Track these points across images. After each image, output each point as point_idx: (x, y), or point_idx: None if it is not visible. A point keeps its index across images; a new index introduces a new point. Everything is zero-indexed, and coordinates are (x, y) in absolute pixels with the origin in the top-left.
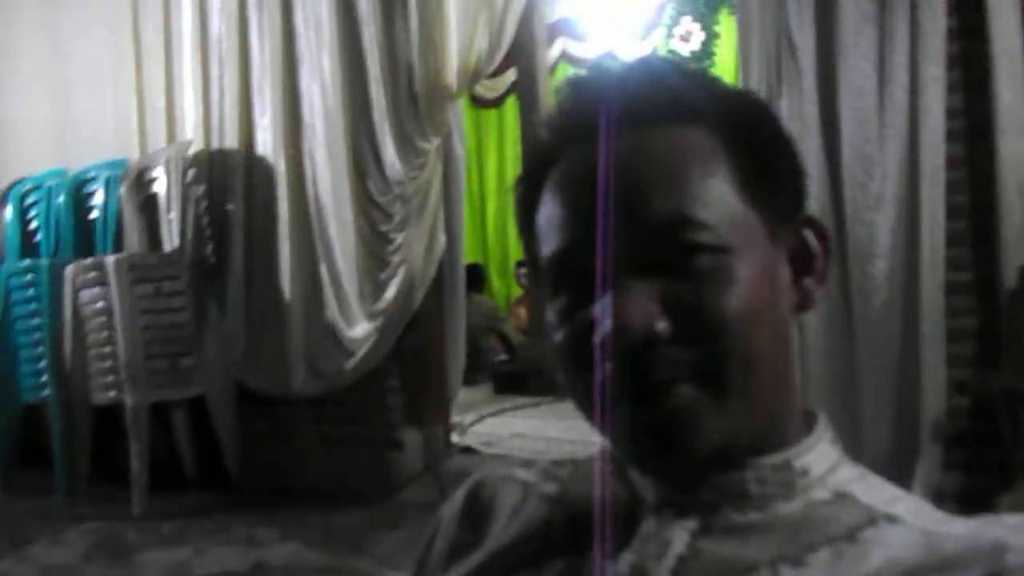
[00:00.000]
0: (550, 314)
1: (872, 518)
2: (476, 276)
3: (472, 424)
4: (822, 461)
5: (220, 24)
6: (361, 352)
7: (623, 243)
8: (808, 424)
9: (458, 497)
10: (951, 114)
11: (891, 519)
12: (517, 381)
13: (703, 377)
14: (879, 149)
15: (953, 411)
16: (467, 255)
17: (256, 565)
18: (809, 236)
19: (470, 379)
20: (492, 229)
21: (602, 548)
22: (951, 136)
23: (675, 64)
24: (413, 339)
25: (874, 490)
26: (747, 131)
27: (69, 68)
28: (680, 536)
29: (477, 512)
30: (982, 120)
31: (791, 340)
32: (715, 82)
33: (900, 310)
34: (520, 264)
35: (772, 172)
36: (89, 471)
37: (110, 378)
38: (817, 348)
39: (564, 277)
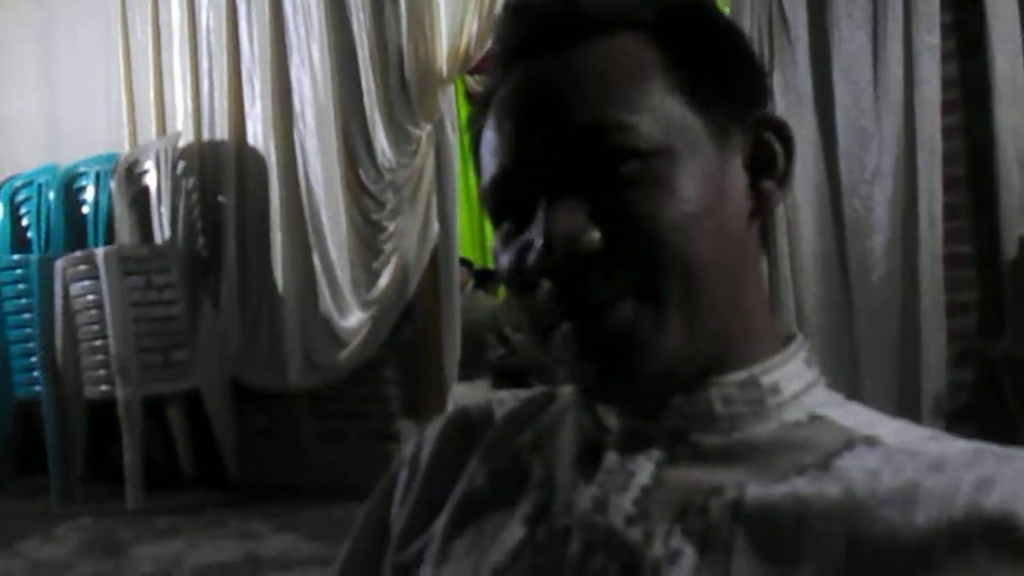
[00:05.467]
0: (495, 242)
1: (849, 441)
2: (490, 277)
3: None
4: (795, 380)
5: (209, 16)
6: (356, 343)
7: (554, 160)
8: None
9: (431, 435)
10: (947, 84)
11: (870, 441)
12: (516, 376)
13: (642, 291)
14: (875, 121)
15: (955, 385)
16: (464, 252)
17: (249, 556)
18: (769, 136)
19: (469, 374)
20: (489, 227)
21: (567, 484)
22: (947, 107)
23: None
24: (409, 328)
25: (853, 414)
26: (680, 30)
27: (59, 64)
28: (645, 467)
29: (452, 451)
30: (978, 89)
31: (749, 249)
32: None
33: (899, 284)
34: None
35: (713, 72)
36: (84, 468)
37: (102, 372)
38: (817, 324)
39: (503, 203)
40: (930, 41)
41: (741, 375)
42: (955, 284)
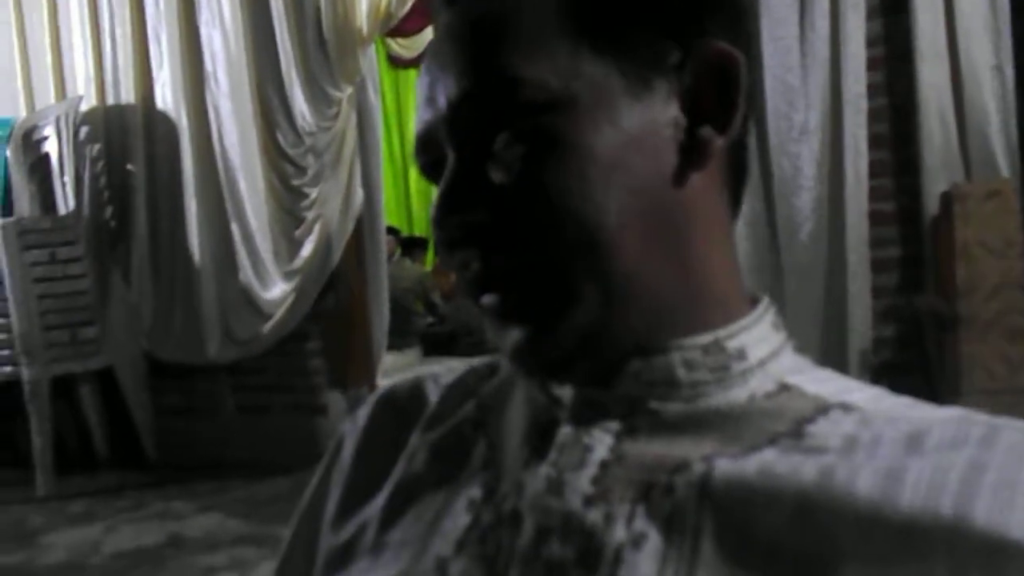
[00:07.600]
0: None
1: (822, 407)
2: (416, 245)
3: None
4: (761, 344)
5: None
6: (278, 314)
7: (457, 117)
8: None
9: (358, 422)
10: (871, 41)
11: (845, 407)
12: (445, 343)
13: (544, 260)
14: (802, 78)
15: (880, 341)
16: (389, 220)
17: (172, 538)
18: (710, 76)
19: (398, 343)
20: (416, 194)
21: (516, 464)
22: (871, 64)
23: None
24: (333, 298)
25: (825, 380)
26: None
27: None
28: (602, 440)
29: (383, 434)
30: (901, 47)
31: (691, 205)
32: None
33: (826, 242)
34: None
35: (628, 11)
36: None
37: (6, 352)
38: (747, 286)
39: (428, 160)
40: None
41: (705, 338)
42: (878, 241)
